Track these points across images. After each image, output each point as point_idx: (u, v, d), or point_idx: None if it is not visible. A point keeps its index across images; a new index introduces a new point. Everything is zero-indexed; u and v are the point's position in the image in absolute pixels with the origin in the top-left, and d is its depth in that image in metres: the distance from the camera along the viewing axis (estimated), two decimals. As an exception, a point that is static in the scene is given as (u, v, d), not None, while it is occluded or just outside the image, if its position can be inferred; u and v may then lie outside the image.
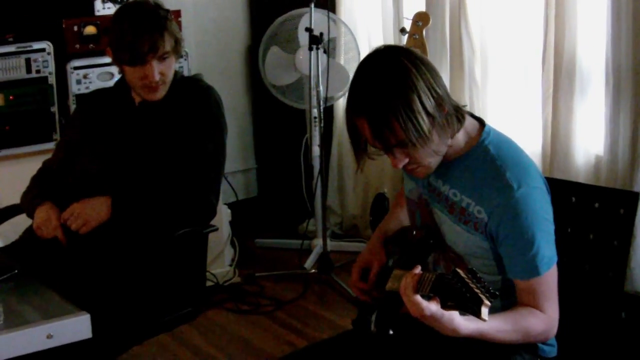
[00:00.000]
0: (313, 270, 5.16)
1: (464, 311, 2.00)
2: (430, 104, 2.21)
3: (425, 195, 2.51)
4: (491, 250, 2.35)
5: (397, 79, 2.21)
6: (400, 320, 2.39)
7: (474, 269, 2.00)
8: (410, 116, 2.19)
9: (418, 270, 2.15)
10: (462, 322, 2.13)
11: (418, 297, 2.08)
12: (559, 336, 2.46)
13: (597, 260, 2.53)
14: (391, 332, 2.41)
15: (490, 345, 2.26)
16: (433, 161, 2.34)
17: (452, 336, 2.15)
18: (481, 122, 2.44)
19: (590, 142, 4.13)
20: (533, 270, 2.28)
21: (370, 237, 2.84)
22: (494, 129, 2.43)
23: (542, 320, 2.30)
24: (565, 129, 4.15)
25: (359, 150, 2.38)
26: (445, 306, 2.04)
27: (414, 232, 2.61)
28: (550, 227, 2.33)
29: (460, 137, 2.38)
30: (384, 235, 2.74)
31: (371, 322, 2.54)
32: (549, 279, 2.31)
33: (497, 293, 1.96)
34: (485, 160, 2.35)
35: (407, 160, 2.30)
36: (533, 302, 2.30)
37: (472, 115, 2.45)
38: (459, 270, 1.99)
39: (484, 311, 1.95)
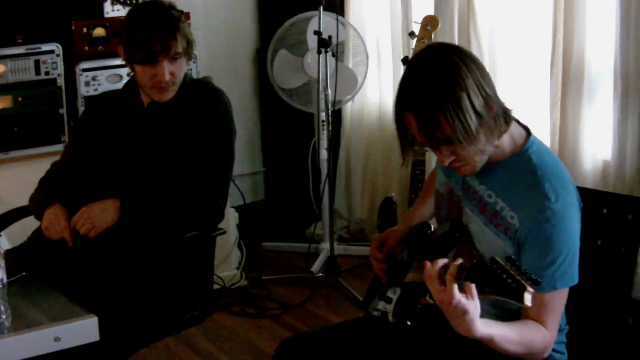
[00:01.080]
0: (320, 274, 5.16)
1: (505, 297, 1.99)
2: (478, 102, 2.22)
3: (458, 192, 2.53)
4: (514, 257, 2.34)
5: (447, 75, 2.22)
6: (418, 312, 2.43)
7: (511, 256, 2.01)
8: (458, 113, 2.19)
9: (443, 261, 2.15)
10: (479, 324, 2.13)
11: (455, 286, 2.09)
12: (568, 344, 2.46)
13: (605, 267, 2.53)
14: (409, 322, 2.43)
15: (497, 355, 2.26)
16: (479, 160, 2.34)
17: (463, 335, 2.15)
18: (527, 131, 2.44)
19: (598, 147, 4.13)
20: (552, 283, 2.27)
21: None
22: (538, 139, 2.44)
23: (545, 337, 2.30)
24: (573, 134, 4.15)
25: (406, 145, 2.39)
26: (483, 293, 2.04)
27: (436, 228, 2.65)
28: (577, 247, 2.32)
29: (506, 141, 2.39)
30: (406, 224, 2.81)
31: (381, 309, 2.57)
32: (561, 296, 2.32)
33: (539, 280, 1.96)
34: (526, 168, 2.36)
35: (453, 157, 2.31)
36: (538, 316, 2.29)
37: (519, 122, 2.45)
38: (497, 258, 2.00)
39: (527, 297, 1.95)
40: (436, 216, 2.70)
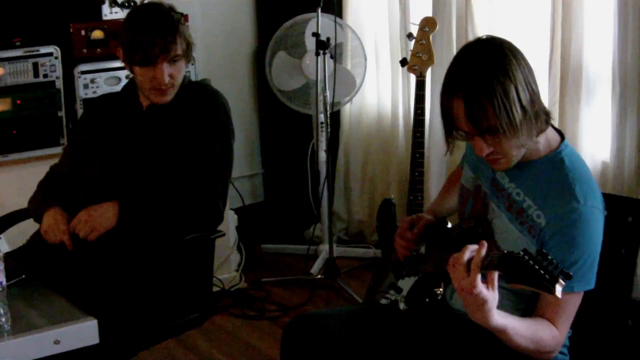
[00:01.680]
0: (319, 276, 5.15)
1: (535, 288, 1.99)
2: (525, 96, 2.26)
3: (486, 188, 2.55)
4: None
5: (499, 65, 2.26)
6: (429, 302, 2.47)
7: (542, 250, 2.02)
8: (506, 103, 2.22)
9: (484, 249, 2.15)
10: (495, 315, 2.16)
11: (478, 276, 2.10)
12: (571, 346, 2.47)
13: (605, 268, 2.52)
14: (402, 306, 2.45)
15: (506, 350, 2.27)
16: (516, 155, 2.37)
17: (477, 322, 2.18)
18: (561, 135, 2.48)
19: (596, 148, 4.13)
20: (569, 285, 2.25)
21: (376, 242, 2.89)
22: (571, 145, 2.47)
23: (555, 338, 2.31)
24: (571, 135, 4.14)
25: (450, 132, 2.40)
26: (512, 282, 2.03)
27: (460, 223, 2.67)
28: (598, 252, 2.34)
29: (541, 141, 2.42)
30: (435, 214, 2.86)
31: (391, 297, 2.59)
32: (576, 299, 2.33)
33: (570, 273, 1.96)
34: (558, 170, 2.39)
35: (491, 149, 2.33)
36: (552, 316, 2.31)
37: (554, 127, 2.48)
38: (529, 250, 2.01)
39: (558, 289, 1.95)
40: (460, 210, 2.72)
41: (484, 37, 2.41)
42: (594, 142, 4.13)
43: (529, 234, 2.37)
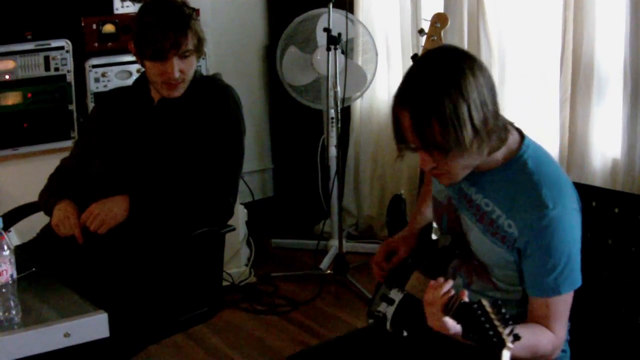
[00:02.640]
0: (329, 271, 5.16)
1: (482, 348, 1.91)
2: (478, 115, 2.15)
3: (455, 201, 2.48)
4: (515, 264, 2.32)
5: (452, 82, 2.15)
6: (415, 323, 2.38)
7: (498, 301, 1.93)
8: (455, 123, 2.13)
9: (447, 286, 2.09)
10: None
11: (447, 318, 2.04)
12: (575, 343, 2.46)
13: (615, 266, 2.52)
14: (405, 333, 2.40)
15: None
16: (462, 173, 2.29)
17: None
18: (521, 134, 2.39)
19: (607, 146, 4.12)
20: (555, 289, 2.26)
21: (385, 238, 2.84)
22: (533, 142, 2.38)
23: (551, 340, 2.27)
24: (582, 132, 4.14)
25: (399, 141, 2.29)
26: (466, 337, 1.97)
27: (438, 238, 2.59)
28: (578, 250, 2.29)
29: (501, 149, 2.32)
30: (416, 227, 2.74)
31: (383, 310, 2.56)
32: (566, 300, 2.29)
33: (519, 336, 1.90)
34: (522, 175, 2.31)
35: (436, 164, 2.25)
36: (545, 320, 2.28)
37: (513, 126, 2.39)
38: (484, 303, 1.91)
39: (505, 354, 1.88)
40: (438, 224, 2.62)
41: (447, 47, 2.31)
42: (605, 140, 4.11)
43: (503, 244, 2.31)
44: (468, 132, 2.14)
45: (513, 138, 2.36)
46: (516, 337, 1.89)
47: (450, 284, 2.11)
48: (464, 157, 2.21)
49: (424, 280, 2.31)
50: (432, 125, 2.14)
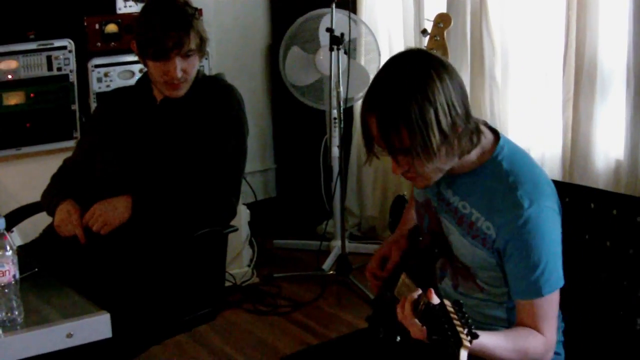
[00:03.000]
0: (331, 272, 5.16)
1: (443, 348, 1.91)
2: (445, 121, 2.15)
3: (434, 203, 2.47)
4: (498, 266, 2.31)
5: (419, 87, 2.14)
6: (391, 326, 2.37)
7: (461, 301, 1.94)
8: (422, 128, 2.12)
9: (417, 294, 2.08)
10: None
11: (415, 321, 2.03)
12: (573, 345, 2.45)
13: (613, 268, 2.51)
14: (399, 338, 2.39)
15: None
16: (434, 176, 2.29)
17: None
18: (496, 134, 2.38)
19: (610, 146, 4.11)
20: (537, 291, 2.24)
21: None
22: (509, 141, 2.38)
23: (541, 342, 2.25)
24: (585, 132, 4.13)
25: (368, 146, 2.30)
26: (430, 339, 1.97)
27: (421, 238, 2.59)
28: (559, 249, 2.28)
29: (474, 151, 2.31)
30: (406, 229, 2.72)
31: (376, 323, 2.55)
32: (550, 301, 2.27)
33: (477, 334, 1.90)
34: (497, 176, 2.30)
35: (407, 168, 2.24)
36: (532, 323, 2.26)
37: (487, 126, 2.38)
38: (446, 303, 1.93)
39: (463, 354, 1.87)
40: (420, 225, 2.62)
41: (414, 51, 2.29)
42: (608, 140, 4.11)
43: (483, 246, 2.30)
44: (436, 136, 2.14)
45: (487, 139, 2.35)
46: (474, 336, 1.89)
47: (418, 292, 2.09)
48: (434, 161, 2.20)
49: (409, 283, 2.29)
50: (400, 131, 2.15)
